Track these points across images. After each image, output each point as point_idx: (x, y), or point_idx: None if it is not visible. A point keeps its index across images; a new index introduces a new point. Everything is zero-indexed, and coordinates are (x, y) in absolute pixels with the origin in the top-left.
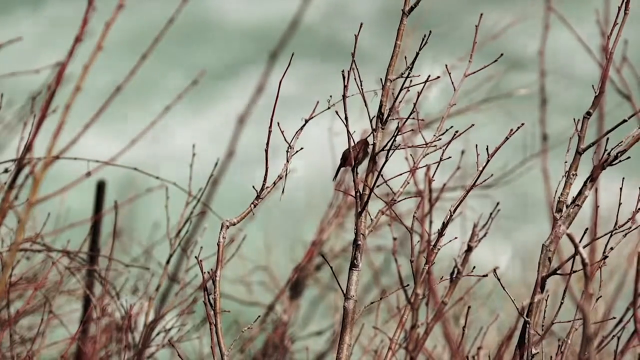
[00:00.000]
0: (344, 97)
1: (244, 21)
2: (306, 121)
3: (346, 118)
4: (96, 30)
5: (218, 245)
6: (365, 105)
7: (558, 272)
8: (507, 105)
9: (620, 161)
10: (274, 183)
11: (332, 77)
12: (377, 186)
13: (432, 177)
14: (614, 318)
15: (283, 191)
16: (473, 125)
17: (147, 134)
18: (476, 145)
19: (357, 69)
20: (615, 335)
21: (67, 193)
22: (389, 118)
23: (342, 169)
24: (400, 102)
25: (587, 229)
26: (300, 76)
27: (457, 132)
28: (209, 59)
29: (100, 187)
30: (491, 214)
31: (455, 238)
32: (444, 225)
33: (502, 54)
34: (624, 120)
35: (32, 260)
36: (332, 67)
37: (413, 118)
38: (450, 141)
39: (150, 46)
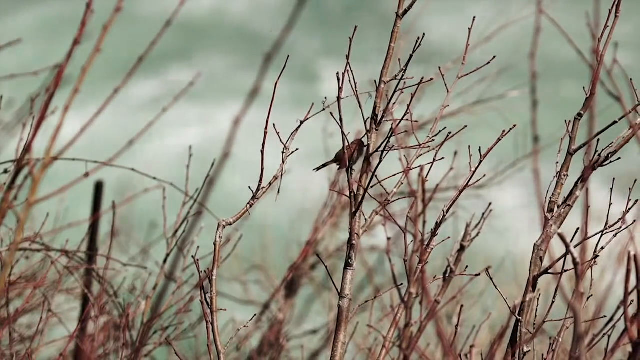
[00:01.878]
0: (338, 98)
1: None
2: (301, 122)
3: (341, 119)
4: (94, 32)
5: (214, 244)
6: (360, 107)
7: (549, 271)
8: (499, 107)
9: (610, 162)
10: (270, 183)
11: (242, 70)
12: (371, 187)
13: (426, 177)
14: (605, 317)
15: (279, 191)
16: (466, 126)
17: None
18: (469, 147)
19: (351, 71)
20: (605, 334)
21: (66, 193)
22: (383, 119)
23: (328, 165)
24: (394, 103)
25: (578, 229)
26: (213, 68)
27: (450, 133)
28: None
29: (98, 188)
30: (483, 213)
31: (448, 238)
32: (437, 225)
33: (494, 57)
34: (615, 122)
35: (31, 260)
36: (243, 59)
37: (407, 119)
38: (443, 142)
39: (147, 49)
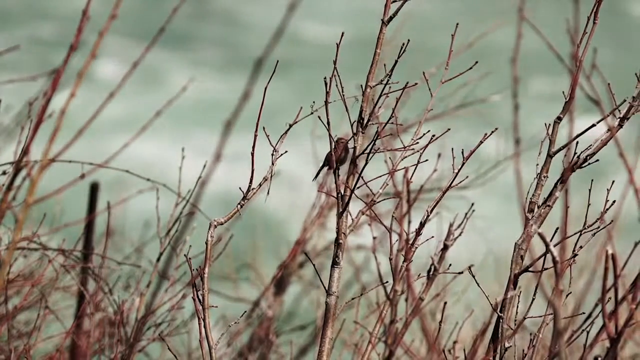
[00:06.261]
0: (326, 102)
1: None
2: (290, 126)
3: (328, 123)
4: (90, 39)
5: (206, 243)
6: (347, 110)
7: (530, 269)
8: (482, 111)
9: (589, 164)
10: (260, 185)
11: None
12: (358, 188)
13: (410, 179)
14: (583, 313)
15: (268, 192)
16: (449, 129)
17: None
18: (452, 149)
19: (338, 76)
20: (584, 330)
21: (63, 194)
22: (369, 123)
23: (323, 169)
24: (380, 107)
25: (557, 229)
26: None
27: (434, 136)
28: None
29: (94, 189)
30: (466, 214)
31: (432, 237)
32: (422, 225)
33: (476, 62)
34: (593, 125)
35: (28, 259)
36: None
37: (392, 123)
38: (427, 145)
39: (143, 52)
